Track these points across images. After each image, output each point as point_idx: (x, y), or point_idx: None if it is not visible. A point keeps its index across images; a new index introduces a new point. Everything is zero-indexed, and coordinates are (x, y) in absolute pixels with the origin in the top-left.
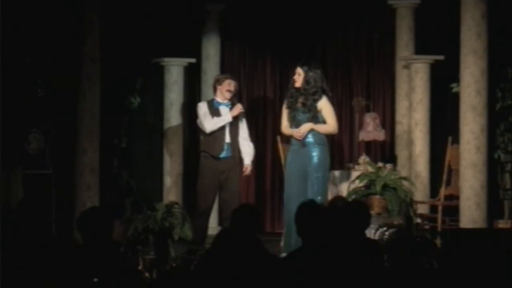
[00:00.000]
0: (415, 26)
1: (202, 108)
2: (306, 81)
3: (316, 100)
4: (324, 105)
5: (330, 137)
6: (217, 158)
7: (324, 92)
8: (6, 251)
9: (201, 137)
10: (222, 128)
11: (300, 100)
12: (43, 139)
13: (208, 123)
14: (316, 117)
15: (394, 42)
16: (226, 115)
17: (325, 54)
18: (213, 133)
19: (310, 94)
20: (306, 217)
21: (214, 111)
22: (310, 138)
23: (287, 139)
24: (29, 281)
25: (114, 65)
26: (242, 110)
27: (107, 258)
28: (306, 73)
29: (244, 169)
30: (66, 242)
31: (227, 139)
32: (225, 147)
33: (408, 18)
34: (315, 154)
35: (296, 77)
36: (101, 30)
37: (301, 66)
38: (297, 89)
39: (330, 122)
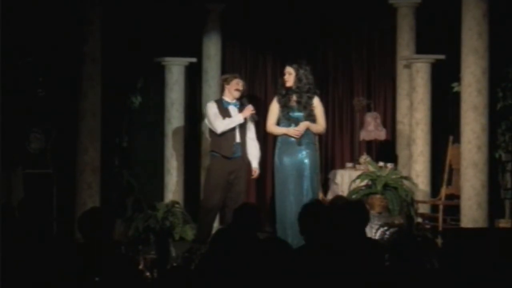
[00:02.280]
0: (416, 26)
1: (212, 108)
2: (298, 79)
3: (310, 98)
4: (317, 104)
5: (331, 137)
6: (228, 158)
7: (315, 92)
8: (7, 251)
9: (210, 137)
10: (233, 129)
11: (294, 98)
12: (44, 138)
13: (220, 124)
14: (311, 115)
15: (395, 42)
16: (237, 116)
17: (326, 54)
18: (224, 133)
19: (304, 92)
20: (310, 217)
21: (224, 111)
22: (304, 137)
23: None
24: (30, 281)
25: (115, 64)
26: (253, 112)
27: (108, 257)
28: (297, 71)
29: (252, 173)
30: (67, 241)
31: (238, 139)
32: (236, 147)
33: (409, 17)
34: (309, 153)
35: (286, 76)
36: (102, 29)
37: (291, 65)
38: (289, 88)
39: (320, 122)
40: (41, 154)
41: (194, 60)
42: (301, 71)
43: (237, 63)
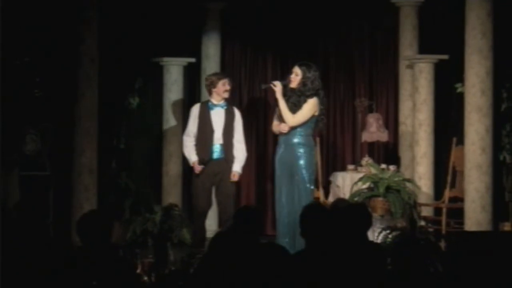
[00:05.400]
0: (419, 25)
1: (193, 111)
2: (303, 82)
3: (305, 100)
4: (309, 103)
5: (332, 138)
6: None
7: (317, 94)
8: (4, 253)
9: None
10: (211, 130)
11: (292, 100)
12: (40, 139)
13: (185, 139)
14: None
15: (397, 41)
16: (191, 158)
17: (328, 54)
18: (201, 135)
19: (304, 96)
20: (311, 219)
21: (205, 114)
22: (297, 139)
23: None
24: (27, 284)
25: (113, 65)
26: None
27: (105, 261)
28: (304, 74)
29: (232, 175)
30: (64, 244)
31: (219, 141)
32: (215, 149)
33: (412, 17)
34: (302, 155)
35: (293, 76)
36: (100, 29)
37: (300, 66)
38: (292, 89)
39: (295, 114)
40: (37, 156)
41: (193, 60)
42: (308, 75)
43: (237, 62)
